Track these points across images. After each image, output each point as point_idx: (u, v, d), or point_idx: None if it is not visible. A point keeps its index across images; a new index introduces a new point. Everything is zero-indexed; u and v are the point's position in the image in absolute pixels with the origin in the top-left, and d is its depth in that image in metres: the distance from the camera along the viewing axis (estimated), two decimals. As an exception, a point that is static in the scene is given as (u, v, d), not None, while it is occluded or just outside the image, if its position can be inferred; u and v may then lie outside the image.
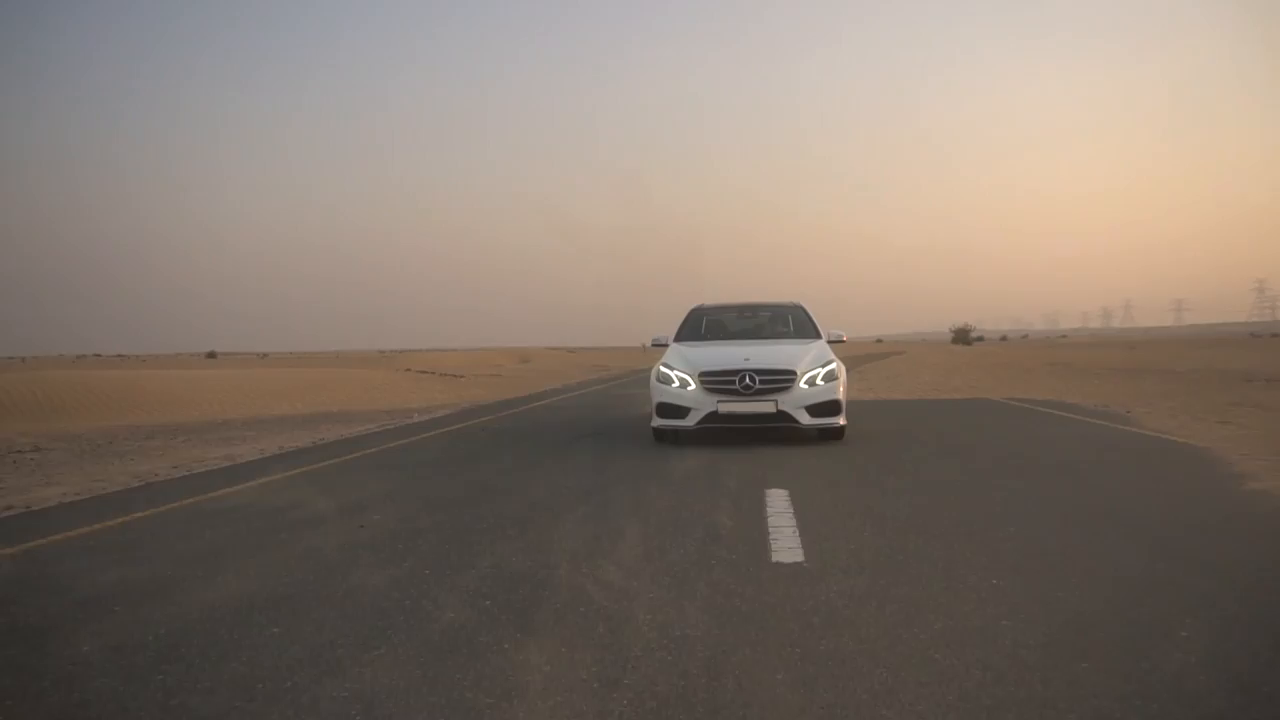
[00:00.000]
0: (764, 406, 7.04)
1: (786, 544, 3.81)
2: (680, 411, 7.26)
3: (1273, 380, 15.66)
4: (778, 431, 7.98)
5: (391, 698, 2.28)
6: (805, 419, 7.08)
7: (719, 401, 7.09)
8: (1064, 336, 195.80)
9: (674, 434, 7.71)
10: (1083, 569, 3.39)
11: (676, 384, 7.35)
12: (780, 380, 7.09)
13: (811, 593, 3.10)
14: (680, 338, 8.53)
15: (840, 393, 7.28)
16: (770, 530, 4.09)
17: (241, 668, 2.53)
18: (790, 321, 8.81)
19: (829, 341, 8.18)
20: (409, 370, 25.33)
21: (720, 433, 7.73)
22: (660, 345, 8.47)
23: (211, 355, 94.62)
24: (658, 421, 7.50)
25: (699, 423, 7.16)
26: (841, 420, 7.29)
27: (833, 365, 7.37)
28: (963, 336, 76.86)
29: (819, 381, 7.19)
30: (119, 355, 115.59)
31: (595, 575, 3.40)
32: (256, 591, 3.32)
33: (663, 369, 7.55)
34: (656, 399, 7.49)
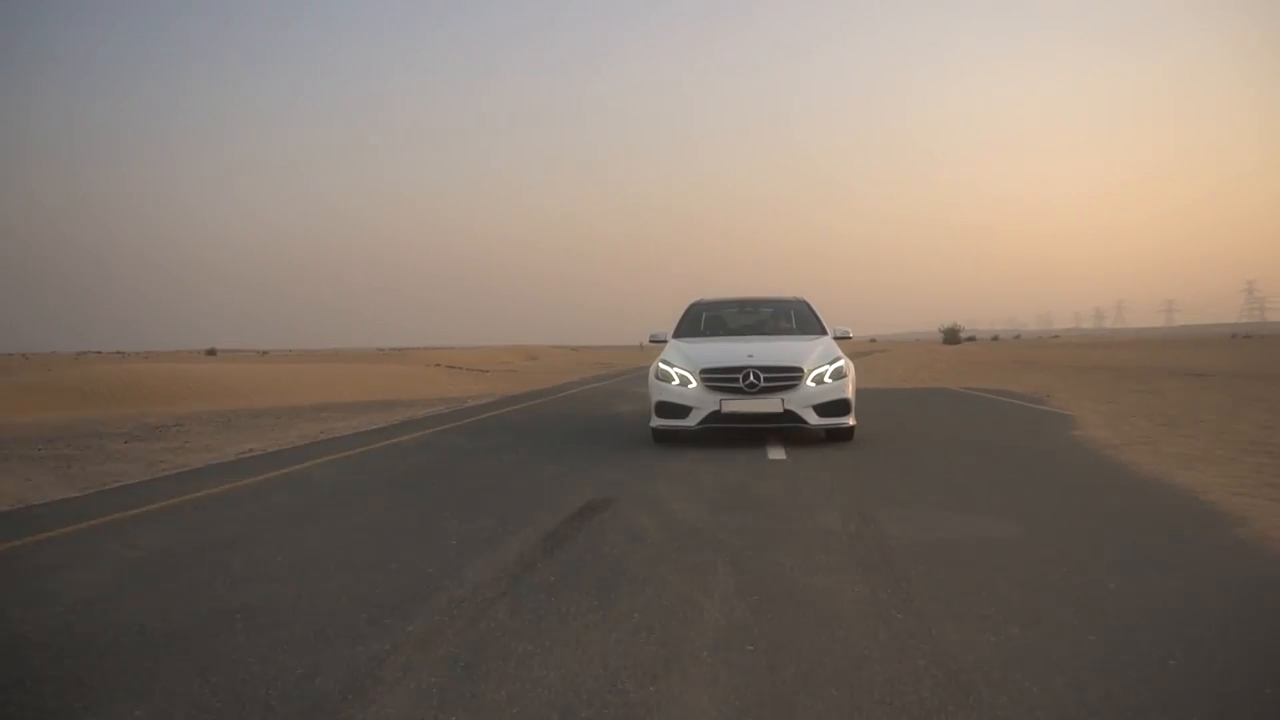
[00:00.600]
0: (770, 405, 6.94)
1: (776, 453, 6.79)
2: (681, 411, 7.17)
3: (1190, 374, 18.72)
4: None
5: (603, 494, 5.16)
6: (813, 419, 6.99)
7: (722, 400, 6.99)
8: (1056, 337, 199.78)
9: (674, 435, 7.61)
10: (934, 464, 6.41)
11: (677, 381, 7.23)
12: (786, 378, 7.00)
13: (789, 468, 6.10)
14: (679, 334, 8.43)
15: (849, 391, 7.20)
16: (767, 449, 7.07)
17: (526, 483, 5.45)
18: (794, 317, 8.73)
19: (835, 338, 8.07)
20: (437, 365, 28.35)
21: (724, 433, 7.66)
22: (658, 341, 8.33)
23: (211, 352, 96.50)
24: (657, 422, 7.39)
25: (701, 423, 7.09)
26: (851, 420, 7.22)
27: (841, 362, 7.29)
28: (952, 336, 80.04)
29: (827, 379, 7.09)
30: (118, 352, 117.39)
31: (674, 466, 6.37)
32: (504, 469, 6.25)
33: (662, 366, 7.44)
34: (656, 397, 7.37)
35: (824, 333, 8.19)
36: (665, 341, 8.19)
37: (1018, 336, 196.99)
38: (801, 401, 6.95)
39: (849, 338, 8.27)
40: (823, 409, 7.01)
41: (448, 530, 4.23)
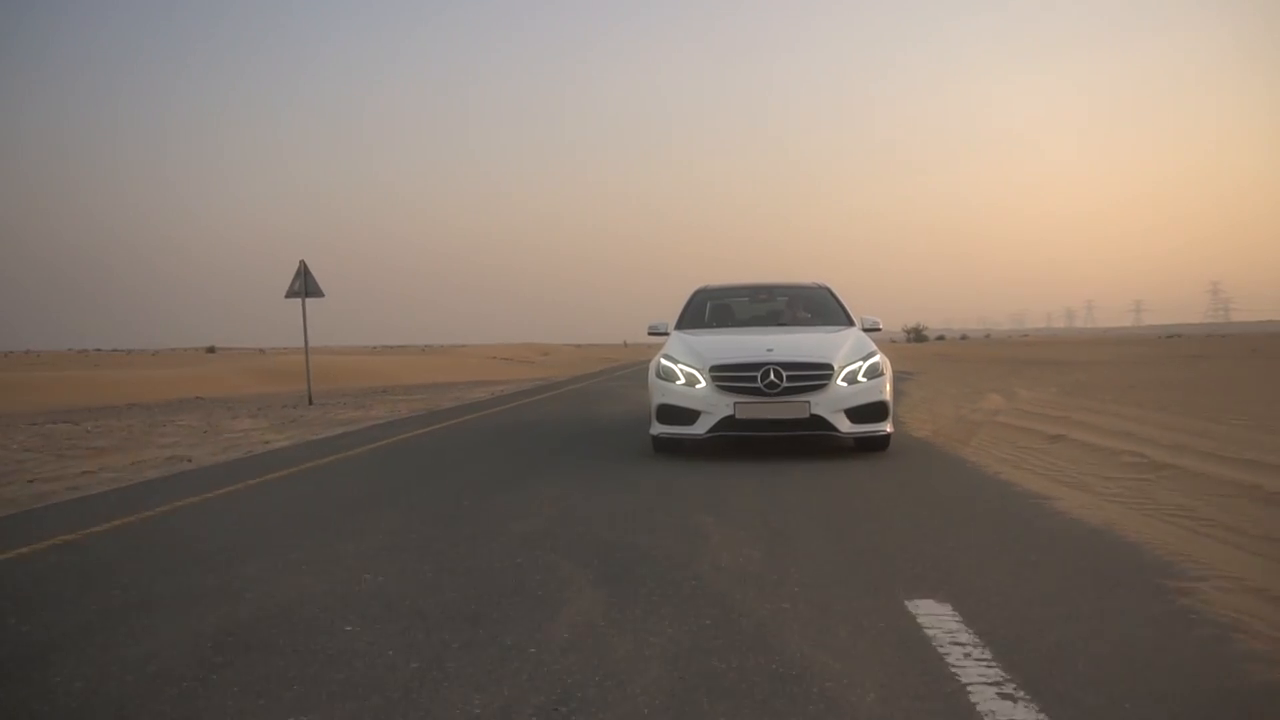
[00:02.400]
0: (794, 410, 5.89)
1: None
2: (688, 416, 6.13)
3: (1029, 362, 27.56)
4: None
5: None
6: (845, 425, 5.94)
7: (736, 403, 5.93)
8: (1025, 336, 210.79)
9: (679, 444, 6.54)
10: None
11: (682, 381, 6.20)
12: (814, 376, 5.95)
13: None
14: (682, 325, 7.56)
15: (887, 392, 6.17)
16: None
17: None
18: (814, 306, 7.90)
19: (864, 330, 7.11)
20: (493, 358, 36.75)
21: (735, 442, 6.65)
22: (658, 334, 7.44)
23: (211, 350, 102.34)
24: (658, 429, 6.35)
25: (711, 430, 6.04)
26: (888, 427, 6.17)
27: (876, 359, 6.24)
28: (916, 335, 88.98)
29: (860, 378, 6.04)
30: (115, 350, 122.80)
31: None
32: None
33: (664, 362, 6.41)
34: (657, 400, 6.35)
35: (851, 323, 7.34)
36: (666, 334, 7.33)
37: (988, 335, 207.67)
38: (831, 405, 5.99)
39: (879, 330, 7.31)
40: (856, 414, 6.05)
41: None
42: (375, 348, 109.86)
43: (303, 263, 15.08)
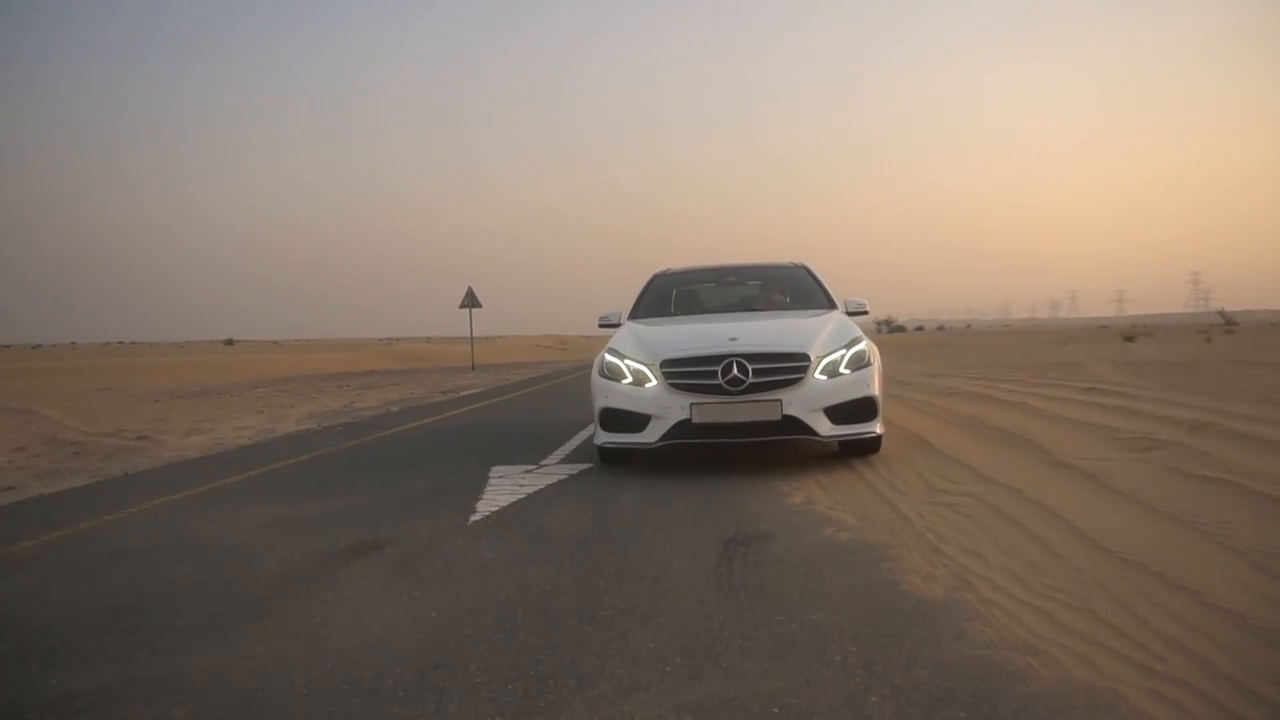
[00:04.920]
0: (763, 411, 4.94)
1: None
2: (634, 421, 5.15)
3: (933, 345, 38.50)
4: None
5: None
6: (825, 427, 4.99)
7: (693, 404, 4.98)
8: (1008, 326, 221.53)
9: (628, 455, 5.49)
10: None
11: (629, 379, 5.24)
12: (786, 369, 4.99)
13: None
14: (637, 314, 6.51)
15: (875, 386, 5.17)
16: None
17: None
18: (791, 288, 6.82)
19: (848, 314, 6.11)
20: (537, 345, 47.38)
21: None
22: (610, 326, 6.31)
23: (229, 342, 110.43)
24: (603, 437, 5.36)
25: (663, 438, 5.05)
26: (878, 428, 5.21)
27: (862, 345, 5.24)
28: (891, 327, 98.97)
29: (843, 370, 5.10)
30: (132, 343, 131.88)
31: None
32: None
33: (609, 358, 5.42)
34: (600, 403, 5.35)
35: (833, 306, 6.34)
36: (618, 326, 6.26)
37: (969, 326, 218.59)
38: (808, 403, 4.98)
39: (865, 313, 6.26)
40: (839, 412, 5.04)
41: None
42: (386, 339, 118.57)
43: (470, 287, 25.76)
